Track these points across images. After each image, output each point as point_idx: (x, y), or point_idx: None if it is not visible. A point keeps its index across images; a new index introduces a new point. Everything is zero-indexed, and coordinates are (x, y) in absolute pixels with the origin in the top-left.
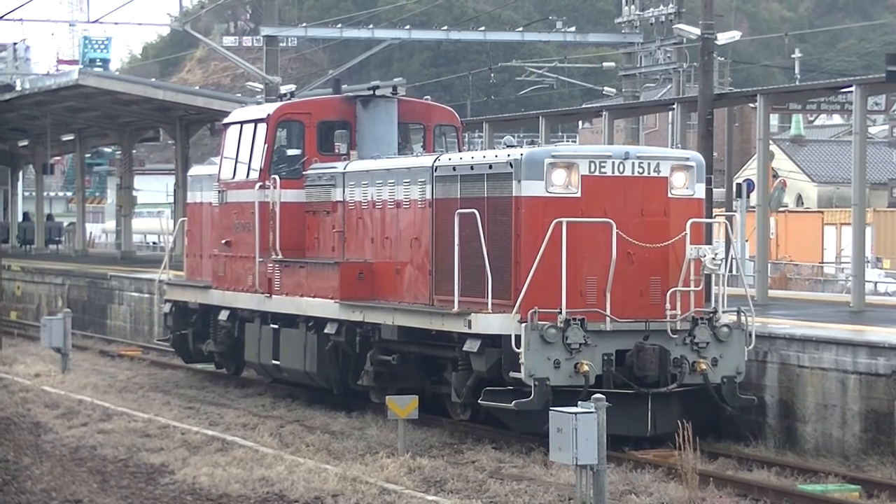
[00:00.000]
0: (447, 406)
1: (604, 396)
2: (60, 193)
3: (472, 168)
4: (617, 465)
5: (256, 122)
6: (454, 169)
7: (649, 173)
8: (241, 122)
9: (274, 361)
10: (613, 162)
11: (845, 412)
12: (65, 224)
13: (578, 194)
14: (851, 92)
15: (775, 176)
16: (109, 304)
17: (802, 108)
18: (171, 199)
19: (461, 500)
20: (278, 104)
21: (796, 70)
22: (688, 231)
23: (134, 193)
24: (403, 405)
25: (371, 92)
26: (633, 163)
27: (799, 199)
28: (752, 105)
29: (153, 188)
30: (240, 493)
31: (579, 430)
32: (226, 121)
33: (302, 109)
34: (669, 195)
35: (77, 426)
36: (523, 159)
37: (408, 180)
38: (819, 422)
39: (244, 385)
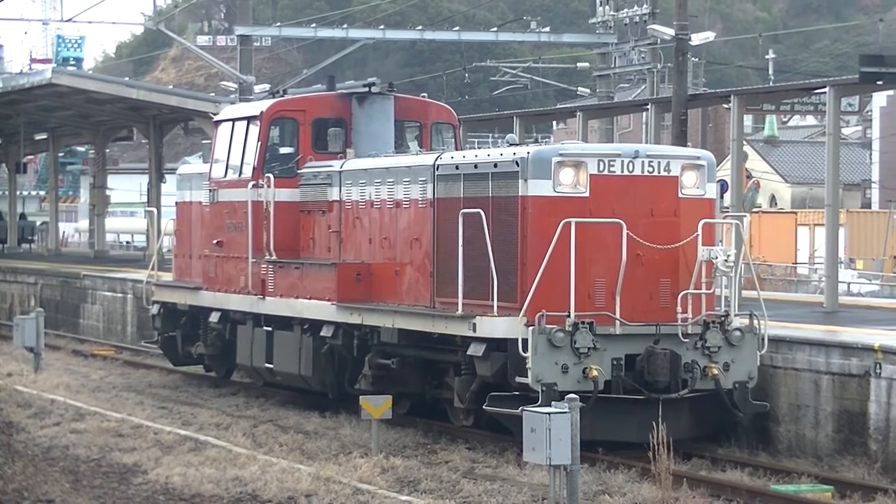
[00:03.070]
0: (448, 411)
1: (577, 396)
2: (33, 192)
3: (475, 167)
4: (591, 466)
5: (249, 119)
6: (457, 168)
7: (659, 172)
8: (234, 120)
9: (267, 365)
10: (623, 161)
11: (818, 413)
12: (38, 223)
13: (587, 194)
14: (825, 93)
15: (749, 177)
16: (82, 304)
17: (776, 109)
18: (145, 199)
19: (434, 500)
20: (272, 101)
21: (770, 71)
22: (699, 232)
23: (107, 193)
24: (377, 405)
25: (367, 89)
26: (643, 161)
27: (772, 200)
28: (725, 106)
29: (126, 187)
30: (213, 492)
31: (553, 430)
32: (217, 118)
33: (296, 106)
34: (680, 195)
35: (49, 426)
36: (530, 158)
37: (408, 179)
38: (792, 422)
39: (218, 385)
